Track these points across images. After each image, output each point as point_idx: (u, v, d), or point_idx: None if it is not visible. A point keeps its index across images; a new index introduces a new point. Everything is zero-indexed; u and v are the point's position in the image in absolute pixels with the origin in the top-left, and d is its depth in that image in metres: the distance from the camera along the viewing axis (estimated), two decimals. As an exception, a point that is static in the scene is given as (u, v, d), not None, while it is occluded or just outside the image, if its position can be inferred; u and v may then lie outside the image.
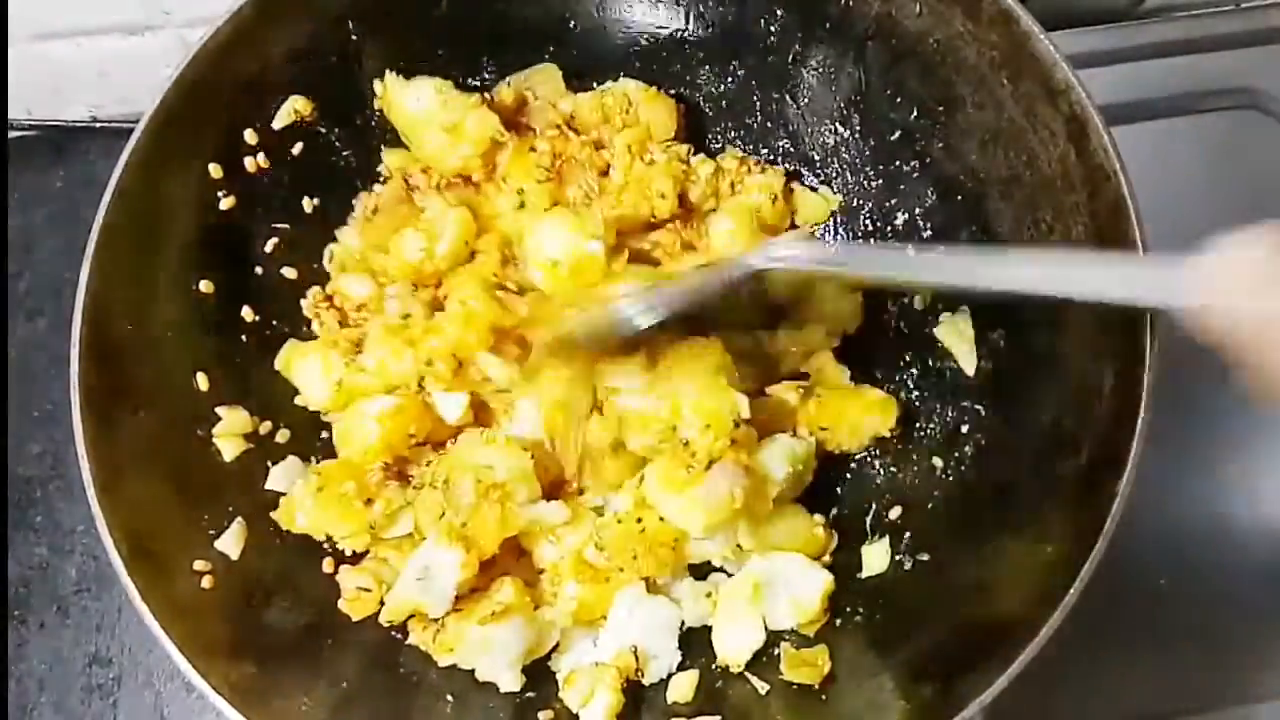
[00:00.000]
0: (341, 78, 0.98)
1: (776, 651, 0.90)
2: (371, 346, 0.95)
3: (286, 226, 0.99)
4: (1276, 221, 0.56)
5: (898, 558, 0.93)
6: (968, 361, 0.95)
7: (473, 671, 0.89)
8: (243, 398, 0.93)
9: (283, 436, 0.95)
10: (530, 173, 0.98)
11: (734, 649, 0.90)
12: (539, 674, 0.91)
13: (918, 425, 0.98)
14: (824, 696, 0.88)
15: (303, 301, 1.00)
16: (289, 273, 0.99)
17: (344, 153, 1.01)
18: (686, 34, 1.02)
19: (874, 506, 0.97)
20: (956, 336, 0.96)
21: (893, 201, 1.01)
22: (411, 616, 0.89)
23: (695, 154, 1.03)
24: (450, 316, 0.93)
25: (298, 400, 0.96)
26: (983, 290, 0.73)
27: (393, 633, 0.91)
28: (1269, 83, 1.22)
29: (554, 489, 0.93)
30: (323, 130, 0.99)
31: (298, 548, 0.91)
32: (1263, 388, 0.55)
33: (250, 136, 0.94)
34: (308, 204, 1.00)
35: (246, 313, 0.96)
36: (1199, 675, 1.05)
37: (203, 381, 0.90)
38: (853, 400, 0.97)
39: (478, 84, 1.04)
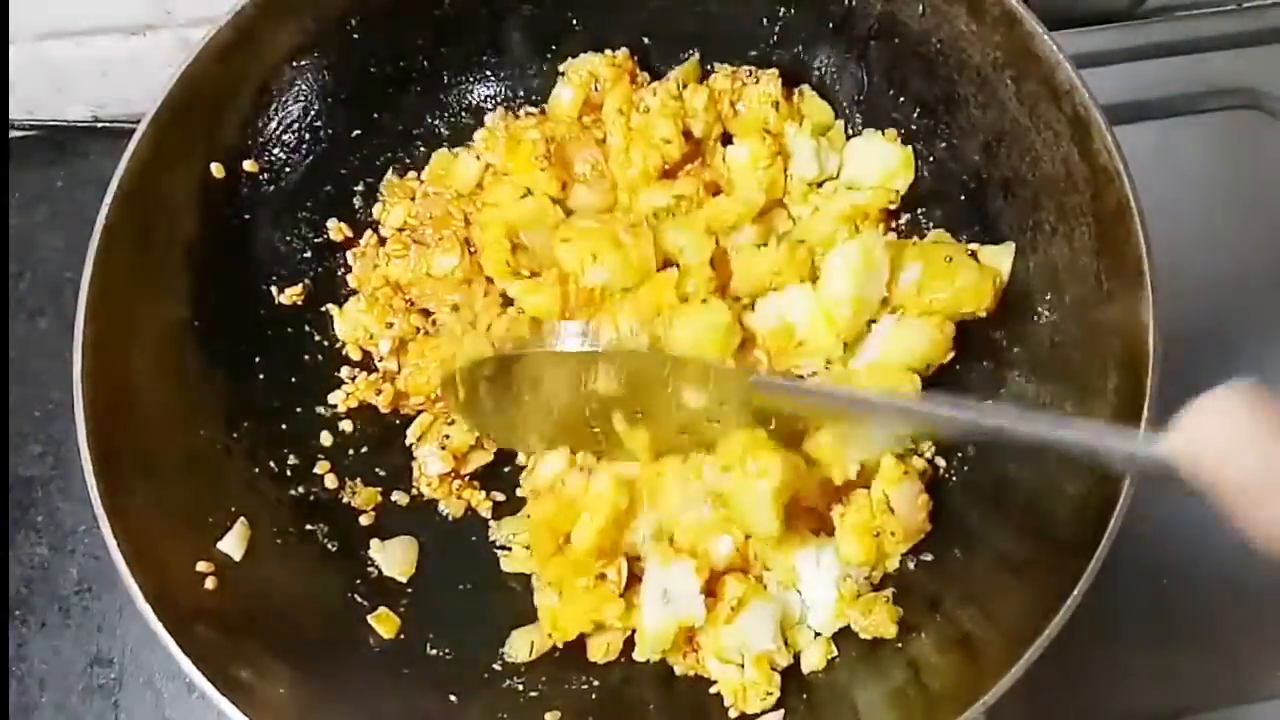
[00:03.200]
0: (344, 77, 0.98)
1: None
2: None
3: (288, 226, 0.99)
4: (1243, 381, 0.58)
5: (900, 557, 0.93)
6: None
7: (479, 670, 0.90)
8: (244, 396, 0.93)
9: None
10: (530, 164, 0.97)
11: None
12: (551, 671, 0.91)
13: (919, 425, 0.98)
14: (825, 696, 0.88)
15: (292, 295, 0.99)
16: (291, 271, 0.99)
17: (347, 153, 1.01)
18: (689, 33, 1.02)
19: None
20: None
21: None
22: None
23: (684, 87, 1.00)
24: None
25: None
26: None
27: (400, 634, 0.91)
28: (1270, 83, 1.22)
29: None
30: (325, 130, 0.99)
31: (299, 548, 0.92)
32: (1260, 538, 0.59)
33: (252, 136, 0.94)
34: (310, 203, 1.00)
35: (249, 312, 0.96)
36: (1199, 675, 1.05)
37: (205, 380, 0.90)
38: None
39: (480, 78, 1.04)
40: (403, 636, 0.91)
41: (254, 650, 0.81)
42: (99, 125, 1.27)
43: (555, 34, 1.03)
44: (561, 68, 1.03)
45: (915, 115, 0.96)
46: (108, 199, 0.83)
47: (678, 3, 1.00)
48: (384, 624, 0.91)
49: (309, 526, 0.94)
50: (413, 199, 1.03)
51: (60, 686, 1.07)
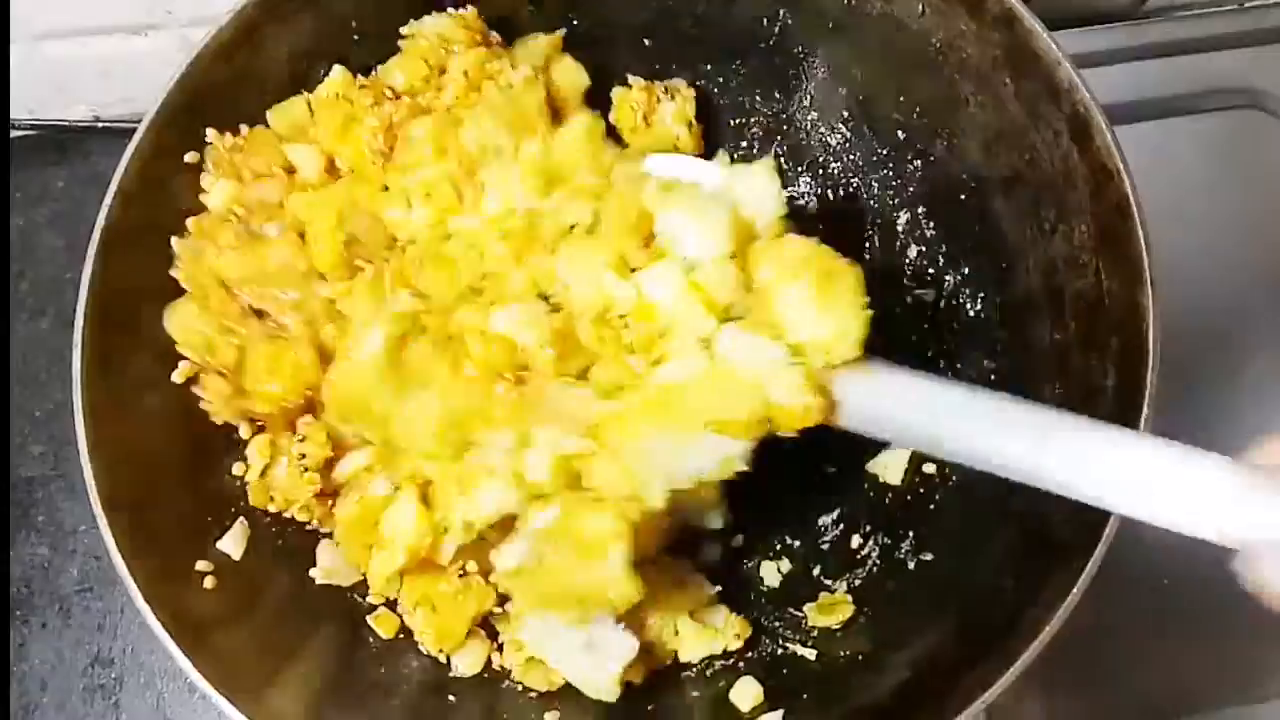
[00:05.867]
0: (344, 77, 0.98)
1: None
2: None
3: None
4: None
5: (900, 557, 0.93)
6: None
7: (481, 673, 0.90)
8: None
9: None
10: (361, 156, 0.88)
11: None
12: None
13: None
14: (825, 695, 0.88)
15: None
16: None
17: (346, 152, 1.01)
18: (690, 34, 1.02)
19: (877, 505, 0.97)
20: None
21: (895, 201, 1.01)
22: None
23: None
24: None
25: None
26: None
27: (398, 635, 0.91)
28: (1271, 82, 1.22)
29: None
30: (325, 130, 0.99)
31: (299, 549, 0.92)
32: None
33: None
34: (310, 204, 1.00)
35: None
36: (1199, 675, 1.05)
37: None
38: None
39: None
40: (402, 636, 0.91)
41: (254, 651, 0.82)
42: (100, 125, 1.27)
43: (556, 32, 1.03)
44: (404, 29, 0.93)
45: (915, 115, 0.96)
46: (108, 199, 0.83)
47: (677, 3, 1.00)
48: (384, 624, 0.91)
49: (309, 526, 0.93)
50: (240, 179, 0.89)
51: (60, 686, 1.07)
